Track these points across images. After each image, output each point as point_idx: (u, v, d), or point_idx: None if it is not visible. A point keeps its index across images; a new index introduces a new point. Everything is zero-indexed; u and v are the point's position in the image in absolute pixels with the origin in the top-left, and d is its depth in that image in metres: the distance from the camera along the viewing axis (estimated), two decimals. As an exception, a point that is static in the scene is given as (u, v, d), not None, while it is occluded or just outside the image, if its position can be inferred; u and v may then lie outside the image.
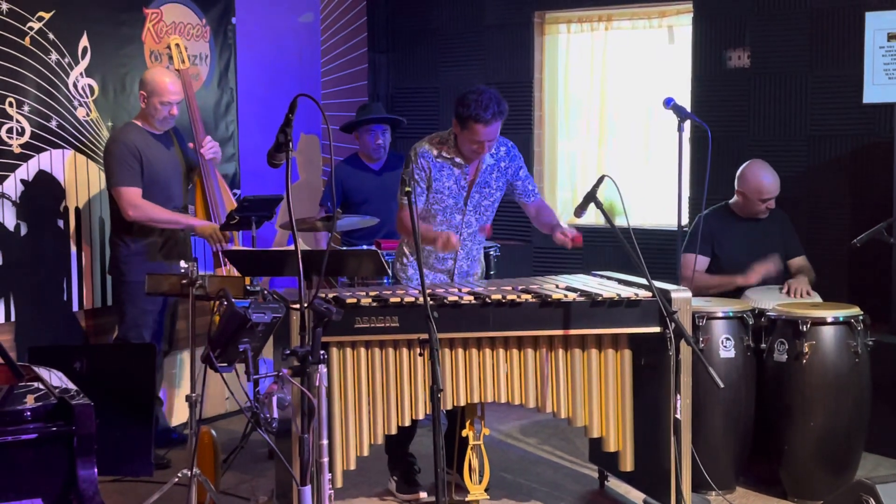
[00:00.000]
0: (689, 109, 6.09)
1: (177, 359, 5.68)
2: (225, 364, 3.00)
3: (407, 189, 3.86)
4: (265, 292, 3.73)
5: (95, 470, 2.81)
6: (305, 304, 3.12)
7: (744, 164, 5.39)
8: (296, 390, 3.14)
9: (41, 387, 3.03)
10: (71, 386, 3.02)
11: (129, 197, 5.04)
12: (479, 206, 4.63)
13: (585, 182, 6.82)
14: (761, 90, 6.11)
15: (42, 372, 3.17)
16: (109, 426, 3.77)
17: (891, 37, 5.65)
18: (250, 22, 6.42)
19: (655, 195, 6.72)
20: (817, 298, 5.08)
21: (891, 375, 4.95)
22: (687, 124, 4.67)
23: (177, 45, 5.48)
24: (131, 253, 5.14)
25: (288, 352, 3.13)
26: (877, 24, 5.69)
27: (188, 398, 4.16)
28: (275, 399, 2.98)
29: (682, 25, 6.47)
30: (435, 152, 4.53)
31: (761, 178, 5.30)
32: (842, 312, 4.63)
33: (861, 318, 4.64)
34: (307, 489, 3.10)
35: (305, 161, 6.89)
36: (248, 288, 4.26)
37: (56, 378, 3.14)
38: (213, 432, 4.54)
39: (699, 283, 5.10)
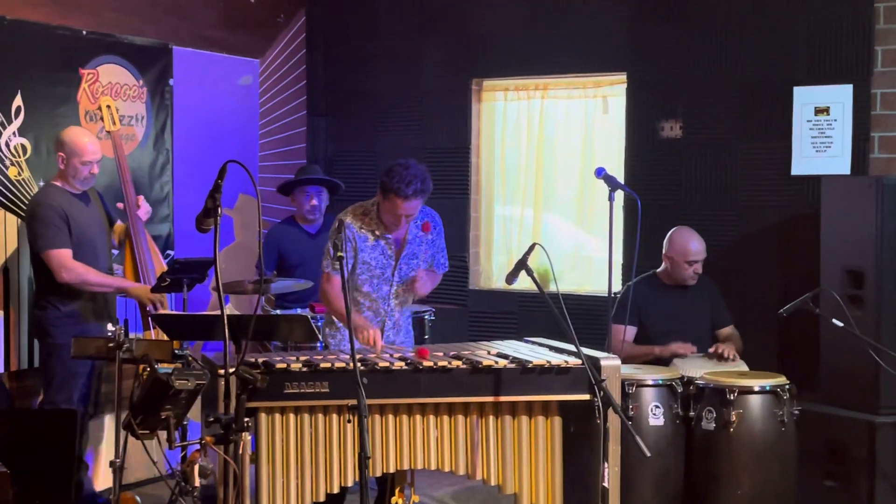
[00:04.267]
0: (622, 178, 6.24)
1: (103, 422, 5.57)
2: (146, 431, 2.95)
3: (340, 254, 3.87)
4: (191, 357, 3.69)
5: (9, 539, 2.74)
6: (231, 370, 3.09)
7: (671, 230, 5.50)
8: (220, 458, 3.10)
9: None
10: (-12, 452, 2.96)
11: (60, 259, 4.98)
12: (405, 277, 4.67)
13: (521, 247, 6.86)
14: (693, 161, 6.22)
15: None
16: (28, 493, 3.70)
17: (818, 111, 5.82)
18: (188, 83, 6.42)
19: (590, 262, 6.79)
20: (744, 367, 5.15)
21: (817, 444, 5.01)
22: (619, 193, 4.74)
23: (108, 106, 5.46)
24: (61, 315, 5.06)
25: (212, 419, 3.10)
26: (805, 98, 5.86)
27: (112, 464, 4.08)
28: (197, 467, 2.94)
29: (616, 96, 6.58)
30: (357, 224, 4.57)
31: (688, 242, 5.40)
32: (768, 381, 4.69)
33: (787, 387, 4.70)
34: (229, 559, 3.05)
35: (242, 222, 6.87)
36: (177, 352, 4.22)
37: (-27, 444, 3.07)
38: (138, 498, 4.46)
39: (626, 354, 5.14)
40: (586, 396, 4.11)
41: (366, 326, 4.43)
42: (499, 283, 7.05)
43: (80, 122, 5.65)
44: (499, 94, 7.02)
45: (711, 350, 5.23)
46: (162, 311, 5.07)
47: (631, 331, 5.35)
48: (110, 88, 5.85)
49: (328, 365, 3.97)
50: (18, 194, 5.38)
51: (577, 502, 4.26)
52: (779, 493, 4.64)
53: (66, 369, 5.05)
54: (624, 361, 4.92)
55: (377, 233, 4.59)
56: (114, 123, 5.45)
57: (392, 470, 4.16)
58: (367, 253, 4.58)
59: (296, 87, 7.38)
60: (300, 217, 6.08)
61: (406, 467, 4.17)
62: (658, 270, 5.53)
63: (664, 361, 5.23)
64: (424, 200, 4.53)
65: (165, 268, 5.20)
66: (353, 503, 4.76)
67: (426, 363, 4.06)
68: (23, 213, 5.36)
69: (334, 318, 4.72)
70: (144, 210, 5.41)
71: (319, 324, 4.86)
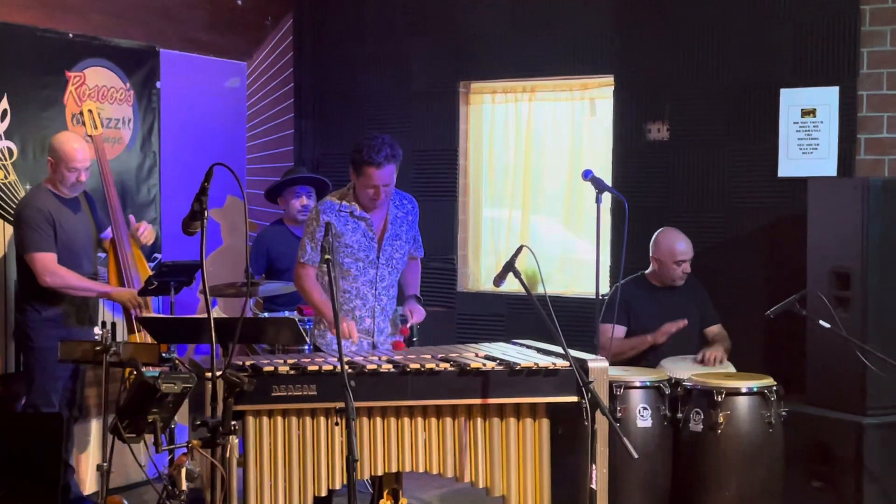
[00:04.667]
0: (610, 180, 6.25)
1: (89, 426, 5.55)
2: (133, 435, 2.95)
3: (327, 257, 3.87)
4: (177, 361, 3.69)
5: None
6: (217, 374, 3.09)
7: (657, 232, 5.52)
8: (207, 462, 3.09)
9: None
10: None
11: (44, 263, 4.97)
12: (391, 259, 4.68)
13: (509, 249, 6.86)
14: (680, 162, 6.23)
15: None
16: (14, 497, 3.69)
17: (805, 113, 5.83)
18: (175, 86, 6.41)
19: (578, 264, 6.79)
20: (731, 369, 5.16)
21: (804, 445, 5.02)
22: (606, 195, 4.75)
23: (90, 110, 5.45)
24: (41, 319, 5.06)
25: (199, 422, 3.09)
26: (791, 100, 5.88)
27: (99, 467, 4.07)
28: (184, 471, 2.93)
29: (603, 98, 6.59)
30: (337, 205, 4.57)
31: (674, 242, 5.43)
32: (755, 383, 4.70)
33: (774, 388, 4.72)
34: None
35: (230, 226, 6.85)
36: (164, 355, 4.21)
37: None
38: (125, 502, 4.45)
39: (616, 351, 5.16)
40: (574, 398, 4.11)
41: (341, 319, 4.40)
42: (487, 285, 7.05)
43: (67, 125, 5.63)
44: (486, 97, 7.02)
45: (699, 357, 5.25)
46: (146, 314, 5.06)
47: (619, 330, 5.36)
48: (97, 91, 5.83)
49: (315, 368, 3.97)
50: (5, 198, 5.36)
51: (565, 504, 4.27)
52: (766, 495, 4.65)
53: (45, 373, 5.04)
54: (615, 358, 4.95)
55: (356, 214, 4.60)
56: (95, 128, 5.44)
57: (380, 473, 4.15)
58: (349, 235, 4.58)
59: (283, 89, 7.37)
60: (289, 219, 6.07)
61: (394, 470, 4.17)
62: (646, 272, 5.55)
63: (652, 363, 5.24)
64: (397, 168, 4.55)
65: (150, 272, 5.18)
66: (341, 506, 4.76)
67: (413, 366, 4.06)
68: (9, 217, 5.34)
69: (315, 312, 4.70)
70: (145, 233, 5.34)
71: (307, 326, 4.85)
